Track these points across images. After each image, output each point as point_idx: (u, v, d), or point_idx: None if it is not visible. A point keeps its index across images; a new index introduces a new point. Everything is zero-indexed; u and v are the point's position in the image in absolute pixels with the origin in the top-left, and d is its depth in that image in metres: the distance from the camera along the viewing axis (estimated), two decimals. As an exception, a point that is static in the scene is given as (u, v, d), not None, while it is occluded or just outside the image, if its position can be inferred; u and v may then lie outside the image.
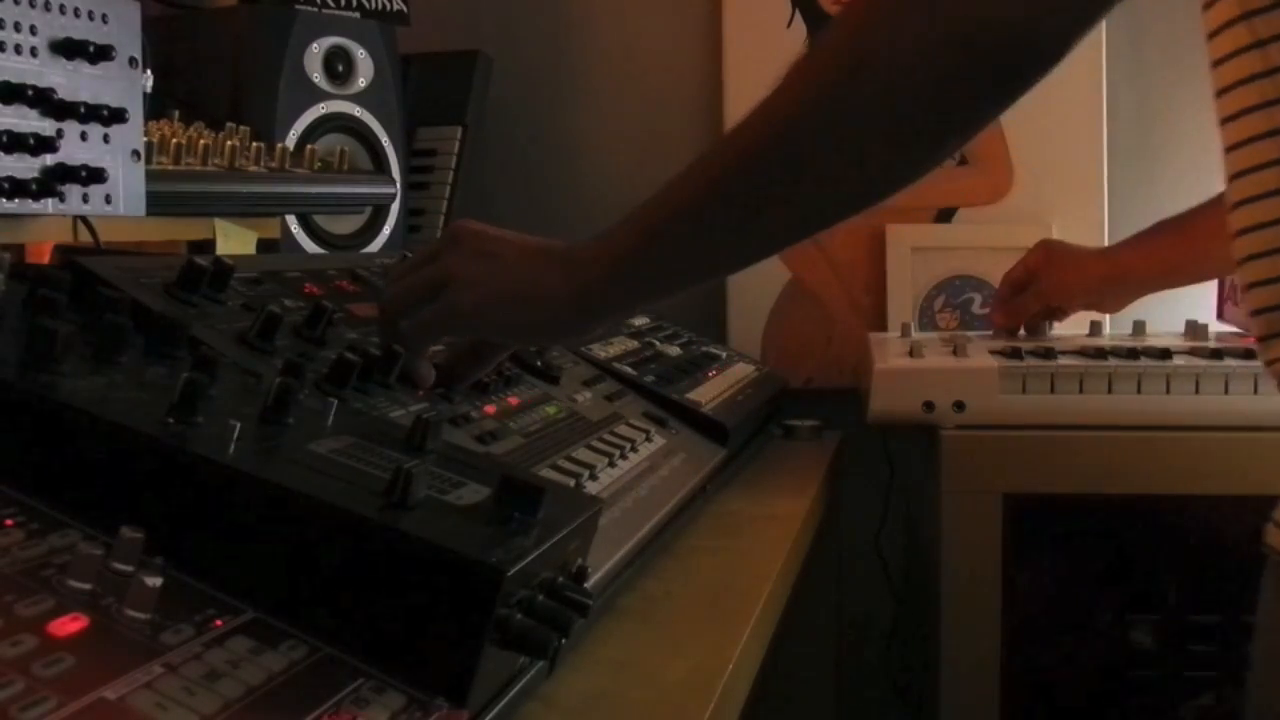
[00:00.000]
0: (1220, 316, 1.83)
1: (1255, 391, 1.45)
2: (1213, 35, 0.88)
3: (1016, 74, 0.74)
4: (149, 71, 1.32)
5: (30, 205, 0.97)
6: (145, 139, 1.10)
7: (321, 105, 1.65)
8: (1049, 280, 1.68)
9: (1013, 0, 0.71)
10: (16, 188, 0.96)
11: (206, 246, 1.32)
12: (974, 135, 0.76)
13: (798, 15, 2.10)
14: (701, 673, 0.80)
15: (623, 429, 1.15)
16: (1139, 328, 1.74)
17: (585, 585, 0.68)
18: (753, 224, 0.80)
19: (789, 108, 0.77)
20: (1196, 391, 1.47)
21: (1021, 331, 1.75)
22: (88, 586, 0.50)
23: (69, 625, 0.47)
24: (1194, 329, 1.69)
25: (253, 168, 1.37)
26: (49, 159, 0.98)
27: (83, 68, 1.01)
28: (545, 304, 0.84)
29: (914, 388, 1.55)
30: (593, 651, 0.82)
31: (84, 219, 1.11)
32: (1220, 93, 0.88)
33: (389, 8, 1.86)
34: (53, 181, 0.98)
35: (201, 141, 1.29)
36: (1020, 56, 0.73)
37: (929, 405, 1.54)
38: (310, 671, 0.53)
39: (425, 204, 1.98)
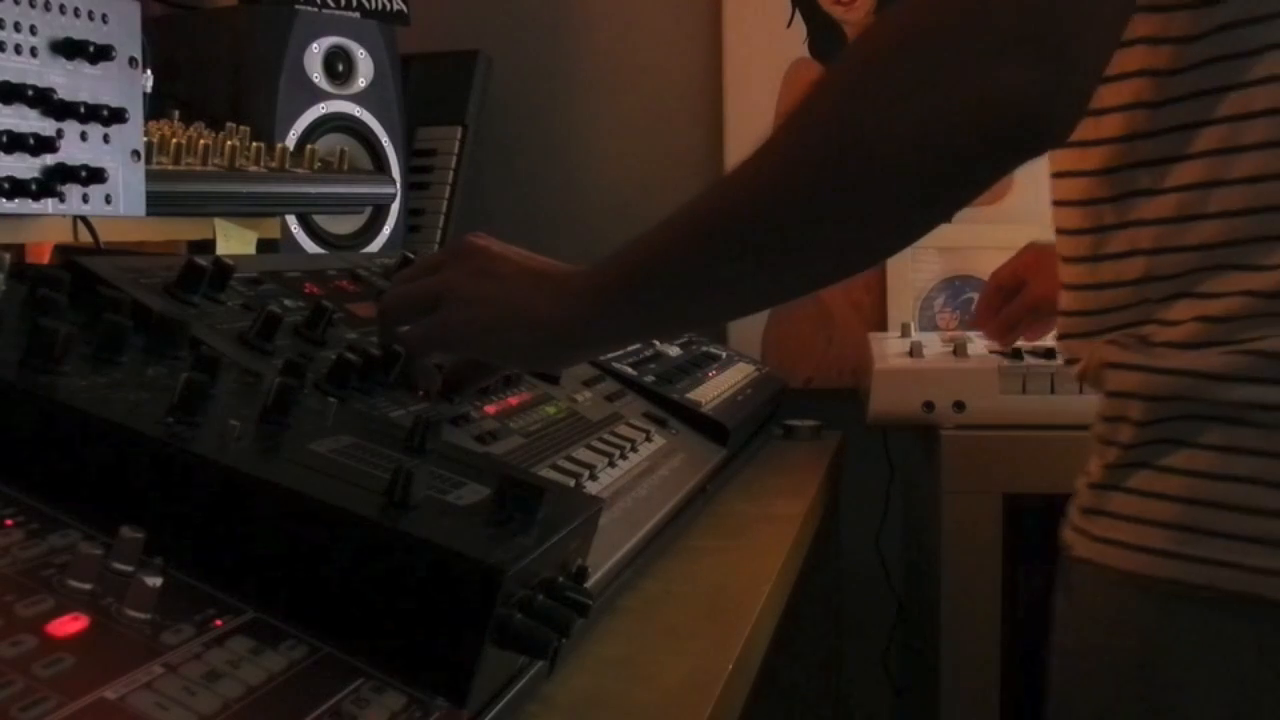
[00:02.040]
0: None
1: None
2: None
3: (1029, 150, 0.72)
4: (149, 71, 1.32)
5: (30, 205, 0.97)
6: (145, 139, 1.10)
7: (321, 105, 1.65)
8: (1041, 286, 1.65)
9: (1029, 75, 0.66)
10: (16, 188, 0.96)
11: (206, 246, 1.32)
12: (971, 201, 0.73)
13: (798, 15, 2.10)
14: (701, 673, 0.80)
15: (623, 429, 1.15)
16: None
17: (585, 585, 0.68)
18: (736, 282, 0.78)
19: (780, 173, 0.74)
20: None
21: (1020, 342, 1.72)
22: (88, 586, 0.50)
23: (69, 625, 0.47)
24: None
25: (253, 168, 1.37)
26: (49, 159, 0.98)
27: (83, 68, 1.01)
28: (532, 330, 0.84)
29: (914, 388, 1.55)
30: (593, 651, 0.82)
31: (84, 219, 1.11)
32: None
33: (389, 8, 1.86)
34: (53, 181, 0.98)
35: (201, 141, 1.29)
36: (1036, 134, 0.69)
37: (929, 405, 1.54)
38: (310, 671, 0.53)
39: (425, 204, 1.98)
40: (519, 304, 0.84)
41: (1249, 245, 0.74)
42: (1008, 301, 1.59)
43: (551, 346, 0.85)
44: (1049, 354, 1.56)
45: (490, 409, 0.99)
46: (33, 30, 0.97)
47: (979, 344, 1.64)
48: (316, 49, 1.66)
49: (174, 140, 1.25)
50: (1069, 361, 0.89)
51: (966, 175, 0.71)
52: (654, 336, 1.33)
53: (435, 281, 0.88)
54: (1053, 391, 1.50)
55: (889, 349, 1.68)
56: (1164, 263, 0.78)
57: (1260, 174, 0.74)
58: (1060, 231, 0.88)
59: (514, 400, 1.04)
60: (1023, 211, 2.01)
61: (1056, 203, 0.87)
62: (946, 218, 0.73)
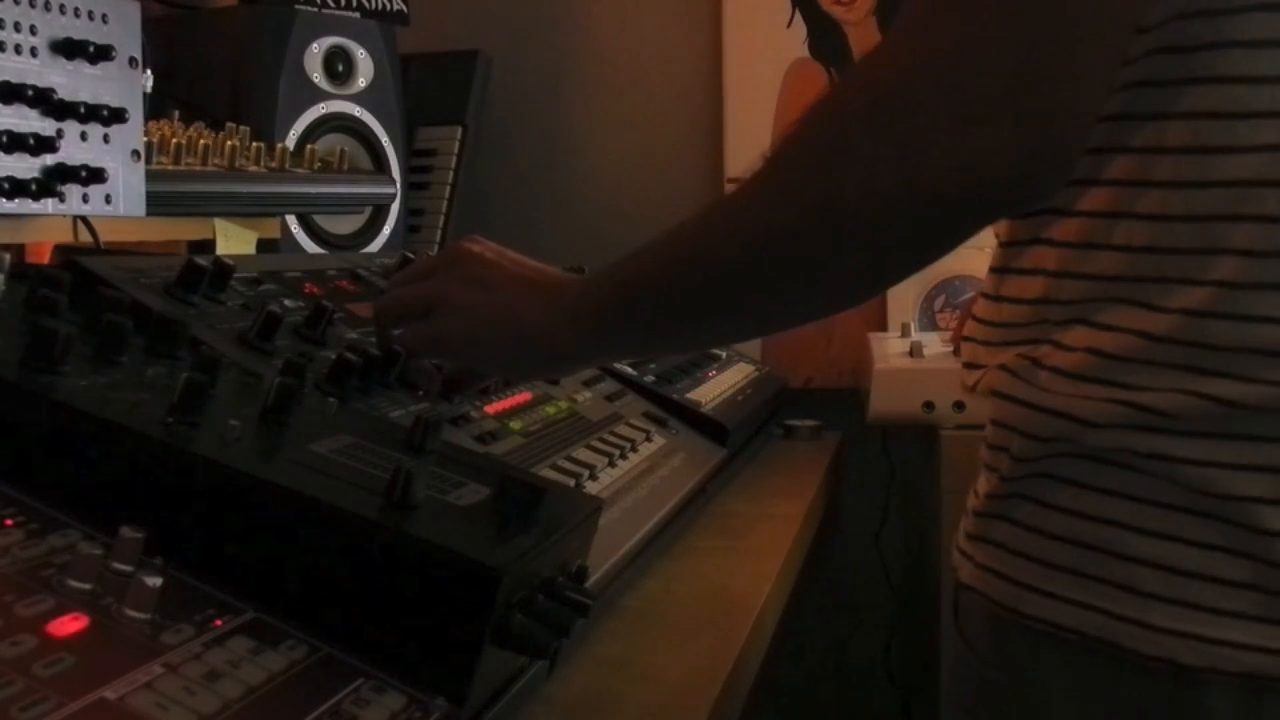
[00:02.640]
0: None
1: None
2: None
3: (1013, 209, 0.71)
4: (149, 71, 1.32)
5: (30, 205, 0.97)
6: (145, 139, 1.11)
7: (321, 105, 1.66)
8: None
9: (1014, 138, 0.64)
10: (16, 188, 0.96)
11: (206, 246, 1.32)
12: (952, 250, 0.71)
13: (798, 15, 2.10)
14: (701, 673, 0.80)
15: (623, 429, 1.15)
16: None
17: (585, 585, 0.67)
18: (718, 315, 0.78)
19: (761, 222, 0.73)
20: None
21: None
22: (88, 586, 0.50)
23: (69, 625, 0.47)
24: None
25: (253, 168, 1.37)
26: (49, 159, 0.99)
27: (83, 68, 1.01)
28: (519, 341, 0.83)
29: (914, 388, 1.55)
30: (593, 651, 0.82)
31: (84, 219, 1.11)
32: None
33: (389, 8, 1.86)
34: (53, 181, 0.98)
35: (201, 141, 1.29)
36: (1020, 195, 0.68)
37: (929, 405, 1.54)
38: (310, 671, 0.53)
39: (425, 204, 1.98)
40: (507, 314, 0.83)
41: (1148, 284, 0.72)
42: None
43: (538, 358, 0.85)
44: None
45: (490, 409, 0.99)
46: (33, 30, 0.97)
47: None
48: (316, 49, 1.66)
49: (174, 140, 1.25)
50: (967, 365, 0.87)
51: (948, 232, 0.69)
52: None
53: (428, 287, 0.88)
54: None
55: (889, 349, 1.68)
56: (1063, 287, 0.76)
57: (1165, 212, 0.71)
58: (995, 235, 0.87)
59: (514, 400, 1.04)
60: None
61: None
62: (928, 265, 0.72)
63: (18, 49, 0.96)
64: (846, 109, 0.71)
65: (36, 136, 0.97)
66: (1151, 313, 0.71)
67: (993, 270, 0.84)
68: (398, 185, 1.73)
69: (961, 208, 0.67)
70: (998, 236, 0.85)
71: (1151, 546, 0.71)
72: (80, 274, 0.84)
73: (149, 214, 1.10)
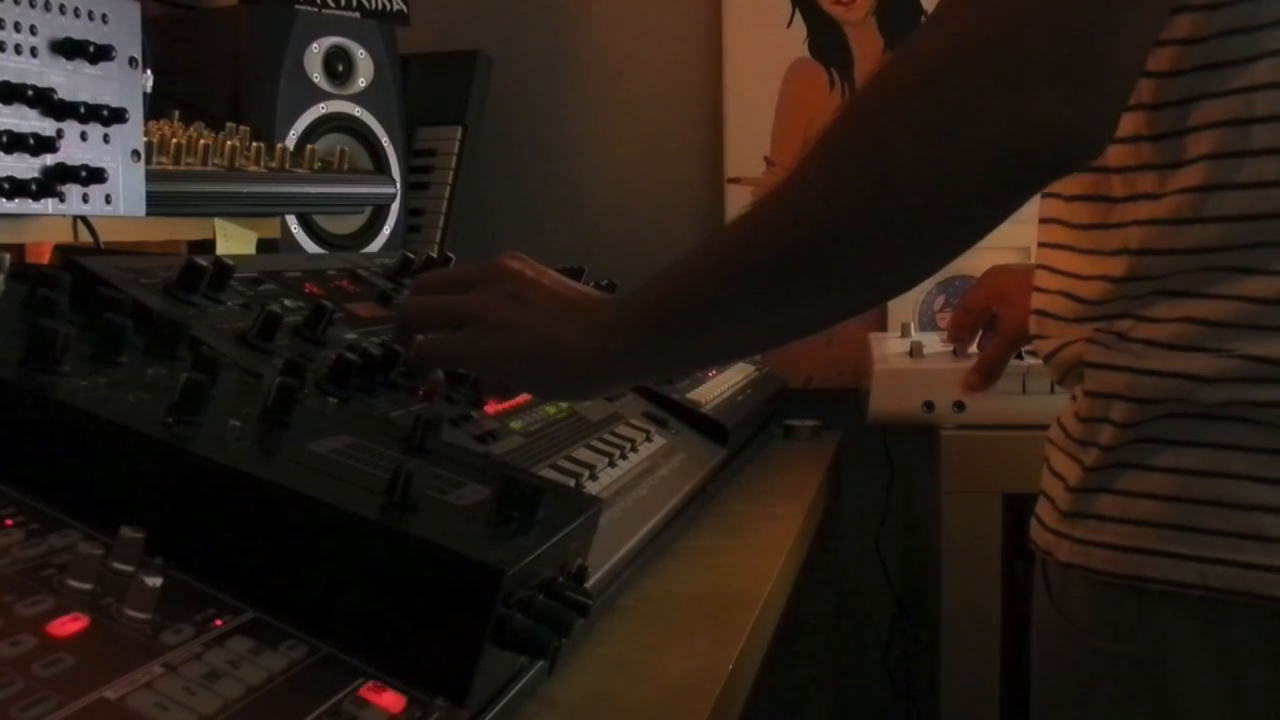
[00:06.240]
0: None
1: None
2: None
3: (1056, 176, 0.73)
4: (149, 71, 1.32)
5: (30, 205, 0.97)
6: (145, 139, 1.10)
7: (321, 105, 1.66)
8: (1013, 316, 1.48)
9: (1062, 105, 0.66)
10: (16, 188, 0.96)
11: (206, 246, 1.32)
12: (1000, 224, 0.73)
13: (798, 15, 2.10)
14: (701, 673, 0.80)
15: (623, 429, 1.15)
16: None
17: (585, 585, 0.68)
18: (769, 315, 0.78)
19: (813, 208, 0.73)
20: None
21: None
22: (88, 586, 0.50)
23: (69, 625, 0.47)
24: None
25: (253, 168, 1.37)
26: (49, 159, 0.98)
27: (83, 68, 1.01)
28: (561, 363, 0.83)
29: (914, 388, 1.55)
30: (593, 651, 0.82)
31: (84, 219, 1.11)
32: None
33: (389, 8, 1.86)
34: (53, 181, 0.98)
35: (201, 141, 1.29)
36: (1065, 162, 0.70)
37: (929, 405, 1.54)
38: (310, 671, 0.53)
39: (425, 204, 1.98)
40: (548, 335, 0.83)
41: (1251, 250, 0.74)
42: (978, 324, 1.55)
43: (579, 379, 0.85)
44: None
45: (490, 409, 0.99)
46: (33, 30, 0.97)
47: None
48: (316, 49, 1.66)
49: (174, 140, 1.25)
50: (1035, 336, 0.88)
51: (1000, 203, 0.71)
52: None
53: (465, 301, 0.87)
54: (1052, 391, 1.50)
55: (889, 349, 1.68)
56: (1150, 263, 0.78)
57: (1263, 179, 0.74)
58: (1050, 220, 0.88)
59: (514, 400, 1.04)
60: (1022, 210, 2.01)
61: (1048, 194, 0.87)
62: (977, 241, 0.73)
63: (18, 49, 0.96)
64: (895, 87, 0.72)
65: (36, 136, 0.97)
66: (1261, 277, 0.73)
67: (1078, 251, 0.84)
68: (398, 185, 1.73)
69: (1014, 175, 0.69)
70: (1056, 219, 0.86)
71: (1274, 493, 0.73)
72: (80, 274, 0.84)
73: (149, 214, 1.10)
